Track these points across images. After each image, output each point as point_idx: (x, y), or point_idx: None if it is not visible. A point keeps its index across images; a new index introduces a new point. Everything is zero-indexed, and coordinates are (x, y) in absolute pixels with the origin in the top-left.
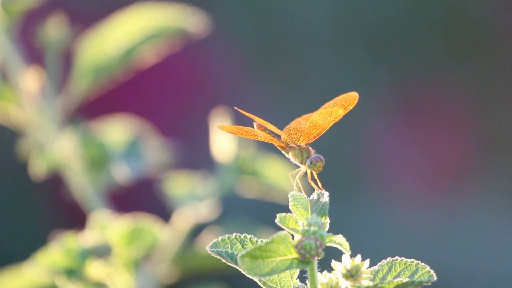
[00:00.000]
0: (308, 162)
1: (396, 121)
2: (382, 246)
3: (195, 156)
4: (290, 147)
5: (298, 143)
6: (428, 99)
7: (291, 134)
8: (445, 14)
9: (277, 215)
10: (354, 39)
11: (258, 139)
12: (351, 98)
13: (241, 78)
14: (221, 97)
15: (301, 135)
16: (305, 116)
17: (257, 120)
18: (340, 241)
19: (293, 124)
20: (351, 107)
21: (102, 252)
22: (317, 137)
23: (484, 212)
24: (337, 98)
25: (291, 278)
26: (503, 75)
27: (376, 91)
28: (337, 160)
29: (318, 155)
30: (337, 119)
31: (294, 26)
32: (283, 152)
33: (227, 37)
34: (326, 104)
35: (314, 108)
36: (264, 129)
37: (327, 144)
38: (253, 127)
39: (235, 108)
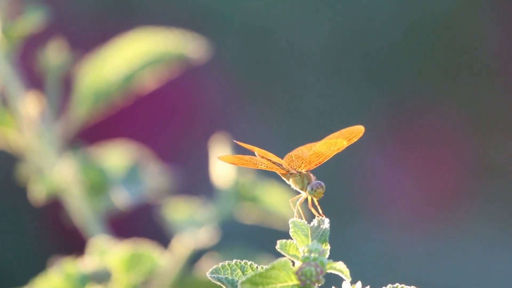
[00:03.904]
0: (308, 188)
1: (392, 147)
2: (382, 273)
3: (194, 181)
4: (291, 174)
5: (299, 170)
6: (423, 127)
7: (293, 161)
8: (441, 41)
9: (278, 242)
10: (348, 65)
11: (259, 168)
12: (357, 131)
13: (236, 103)
14: (216, 122)
15: (302, 162)
16: (308, 145)
17: (257, 151)
18: (340, 268)
19: (295, 152)
20: (355, 140)
21: (102, 277)
22: (319, 165)
23: (476, 240)
24: (343, 130)
25: None
26: (496, 103)
27: (370, 117)
28: (334, 187)
29: (318, 181)
30: (340, 150)
31: (288, 52)
32: (283, 178)
33: (221, 63)
34: (331, 135)
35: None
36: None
37: (325, 170)
38: (253, 155)
39: (235, 141)
